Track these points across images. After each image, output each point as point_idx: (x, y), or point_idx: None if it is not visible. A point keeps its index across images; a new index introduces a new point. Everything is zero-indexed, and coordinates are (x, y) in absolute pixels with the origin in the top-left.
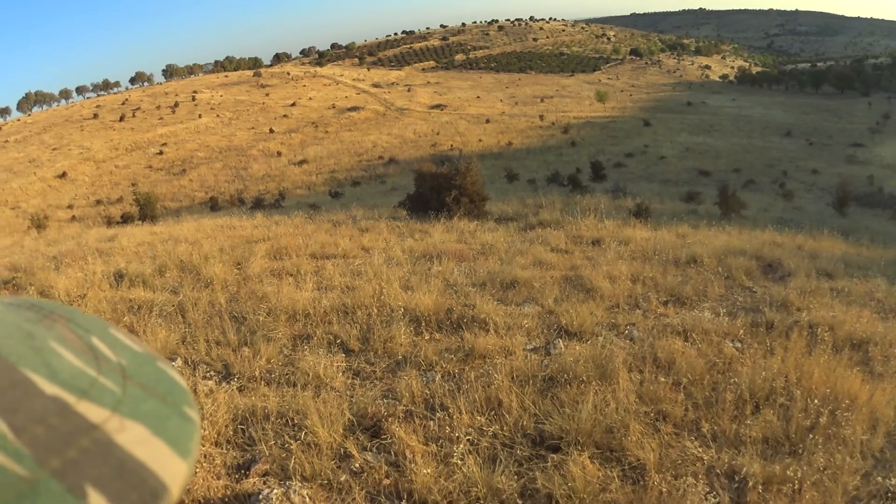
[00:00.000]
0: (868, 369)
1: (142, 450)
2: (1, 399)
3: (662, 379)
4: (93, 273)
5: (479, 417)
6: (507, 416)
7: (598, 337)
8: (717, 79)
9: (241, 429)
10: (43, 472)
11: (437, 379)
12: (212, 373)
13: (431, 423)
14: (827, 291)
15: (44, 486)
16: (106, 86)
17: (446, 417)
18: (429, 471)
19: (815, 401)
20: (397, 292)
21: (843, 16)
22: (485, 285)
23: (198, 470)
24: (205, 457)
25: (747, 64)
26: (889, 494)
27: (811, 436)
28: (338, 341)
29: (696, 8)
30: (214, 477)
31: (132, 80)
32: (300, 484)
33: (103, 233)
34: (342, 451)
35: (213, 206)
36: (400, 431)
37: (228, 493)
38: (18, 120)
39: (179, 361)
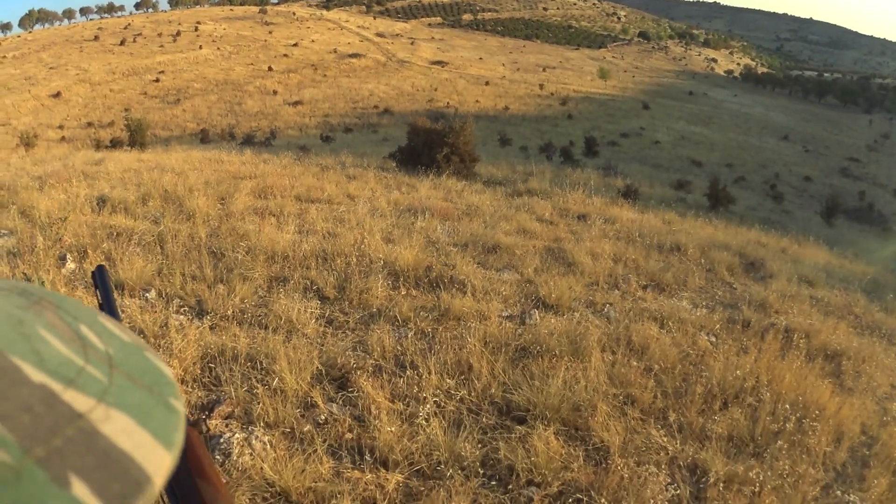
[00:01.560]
0: (839, 382)
1: (126, 440)
2: None
3: (634, 363)
4: (76, 196)
5: (448, 380)
6: (476, 381)
7: (575, 312)
8: (722, 73)
9: (209, 368)
10: (27, 460)
11: (409, 336)
12: (185, 308)
13: (400, 380)
14: (807, 298)
15: (28, 474)
16: (110, 8)
17: (415, 376)
18: (392, 429)
19: (785, 405)
20: (378, 244)
21: (855, 31)
22: (466, 247)
23: None
24: None
25: (754, 63)
26: None
27: (777, 440)
28: (314, 287)
29: (711, 1)
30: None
31: (137, 6)
32: (262, 430)
33: (91, 156)
34: (308, 400)
35: (204, 138)
36: (367, 386)
37: None
38: (19, 36)
39: (154, 293)
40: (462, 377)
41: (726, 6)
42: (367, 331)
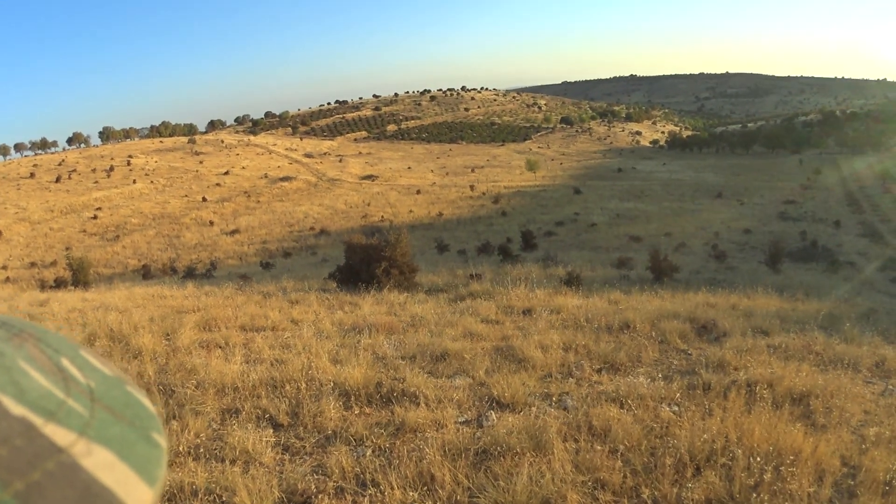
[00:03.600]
0: (810, 422)
1: (108, 475)
2: None
3: (598, 447)
4: None
5: (411, 493)
6: (440, 490)
7: (532, 407)
8: (648, 144)
9: None
10: (5, 494)
11: (367, 454)
12: None
13: (363, 499)
14: (764, 349)
15: None
16: (44, 144)
17: (378, 494)
18: None
19: (758, 458)
20: (326, 366)
21: (773, 76)
22: (414, 358)
23: None
24: None
25: (678, 128)
26: None
27: (756, 493)
28: (266, 416)
29: (628, 75)
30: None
31: (69, 141)
32: None
33: (36, 296)
34: None
35: (146, 273)
36: None
37: None
38: None
39: None
40: (425, 488)
41: (643, 77)
42: (324, 453)
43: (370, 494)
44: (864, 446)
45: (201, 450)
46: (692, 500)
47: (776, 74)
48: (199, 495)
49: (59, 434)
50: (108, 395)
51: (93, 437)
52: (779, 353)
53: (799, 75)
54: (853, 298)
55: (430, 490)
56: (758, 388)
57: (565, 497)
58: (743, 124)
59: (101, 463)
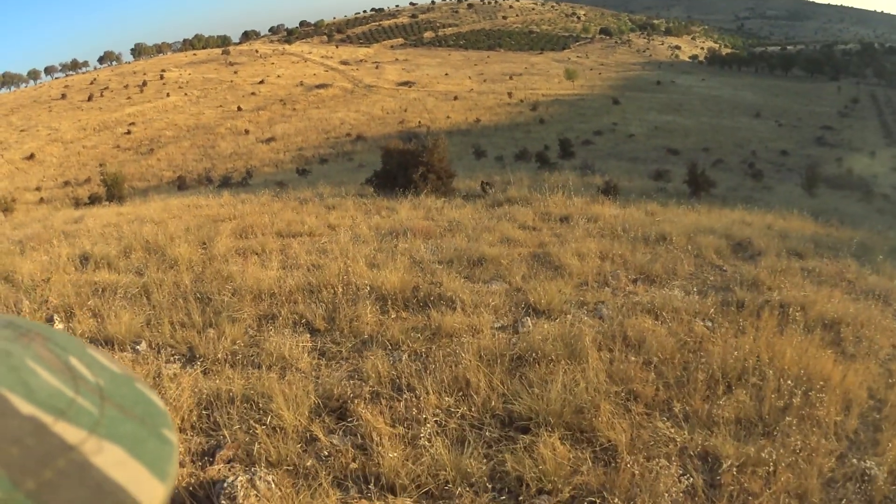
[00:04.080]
0: (840, 350)
1: (119, 472)
2: None
3: (633, 358)
4: (58, 256)
5: (446, 398)
6: (475, 396)
7: (567, 315)
8: (687, 59)
9: (206, 413)
10: (18, 493)
11: (403, 359)
12: (176, 356)
13: (398, 404)
14: (797, 271)
15: None
16: (74, 66)
17: (413, 398)
18: (396, 454)
19: (788, 381)
20: (363, 270)
21: (812, 2)
22: (452, 263)
23: None
24: None
25: (717, 45)
26: (864, 476)
27: (785, 417)
28: (303, 321)
29: None
30: (177, 465)
31: (101, 60)
32: (265, 470)
33: (70, 214)
34: (308, 434)
35: (181, 185)
36: (366, 413)
37: (193, 480)
38: None
39: (144, 345)
40: (460, 393)
41: None
42: (360, 358)
43: (405, 399)
44: (890, 380)
45: (238, 356)
46: (722, 417)
47: (816, 1)
48: (237, 402)
49: (69, 432)
50: (117, 392)
51: (103, 434)
52: (812, 277)
53: (839, 3)
54: (886, 231)
55: (464, 395)
56: (790, 310)
57: (598, 407)
58: (782, 47)
59: (112, 460)
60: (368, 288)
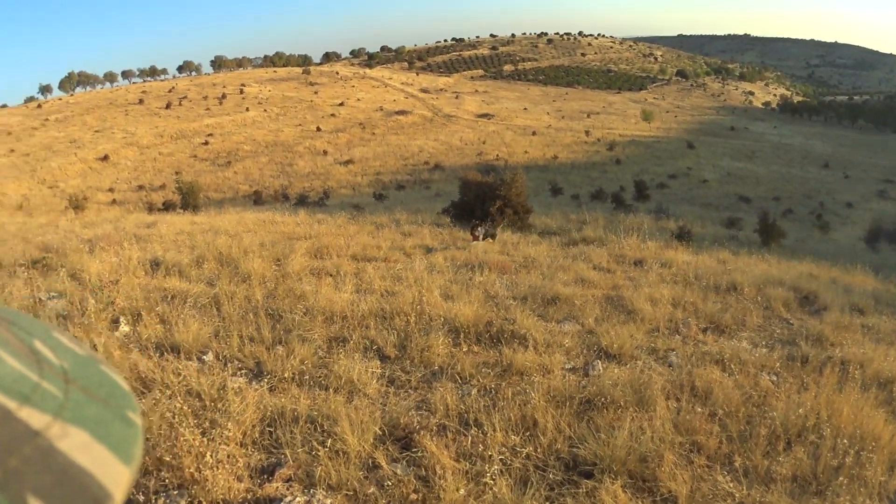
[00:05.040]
0: (891, 409)
1: (84, 456)
2: None
3: (699, 409)
4: (128, 259)
5: (513, 437)
6: (541, 437)
7: (638, 361)
8: (760, 105)
9: (269, 431)
10: None
11: (473, 393)
12: (243, 370)
13: (465, 439)
14: (858, 327)
15: None
16: (153, 72)
17: (480, 434)
18: (458, 489)
19: (843, 440)
20: (437, 301)
21: (877, 51)
22: (526, 299)
23: (219, 471)
24: (227, 457)
25: (789, 92)
26: None
27: (838, 476)
28: (374, 347)
29: (742, 33)
30: (236, 479)
31: (180, 69)
32: (325, 493)
33: (143, 218)
34: (371, 461)
35: (257, 199)
36: (432, 445)
37: (249, 496)
38: (60, 99)
39: (210, 355)
40: (527, 433)
41: (756, 37)
42: (429, 389)
43: (472, 435)
44: None
45: (306, 377)
46: (780, 474)
47: (881, 50)
48: (301, 422)
49: (34, 417)
50: (81, 374)
51: (68, 418)
52: (871, 335)
53: None
54: None
55: (531, 435)
56: (850, 367)
57: (662, 457)
58: (849, 96)
59: (77, 444)
60: (442, 319)
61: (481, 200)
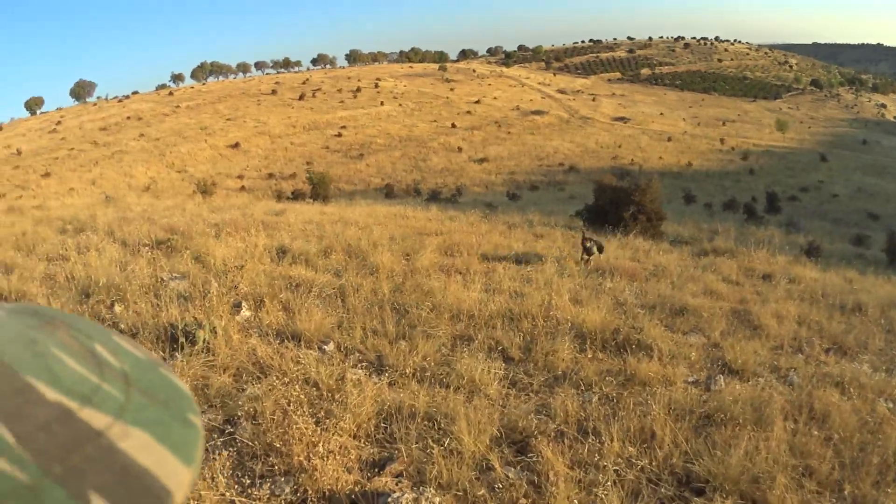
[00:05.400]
0: None
1: (145, 456)
2: (3, 405)
3: (815, 432)
4: (254, 245)
5: (630, 448)
6: (657, 450)
7: (759, 378)
8: (892, 119)
9: (384, 425)
10: (46, 479)
11: (594, 400)
12: (364, 363)
13: (581, 446)
14: None
15: (46, 493)
16: (286, 64)
17: (597, 443)
18: (570, 497)
19: None
20: (566, 305)
21: None
22: (654, 308)
23: (329, 461)
24: (339, 448)
25: None
26: None
27: None
28: (499, 347)
29: (875, 43)
30: (345, 470)
31: (314, 62)
32: (434, 491)
33: (271, 206)
34: (485, 463)
35: (388, 193)
36: (547, 451)
37: (357, 488)
38: (192, 87)
39: (332, 346)
40: (644, 445)
41: (890, 47)
42: (550, 394)
43: (589, 443)
44: None
45: (427, 373)
46: None
47: None
48: (417, 418)
49: (95, 418)
50: (142, 378)
51: (129, 420)
52: None
53: None
54: None
55: (648, 447)
56: None
57: (774, 479)
58: None
59: (138, 445)
60: (569, 323)
61: (615, 205)
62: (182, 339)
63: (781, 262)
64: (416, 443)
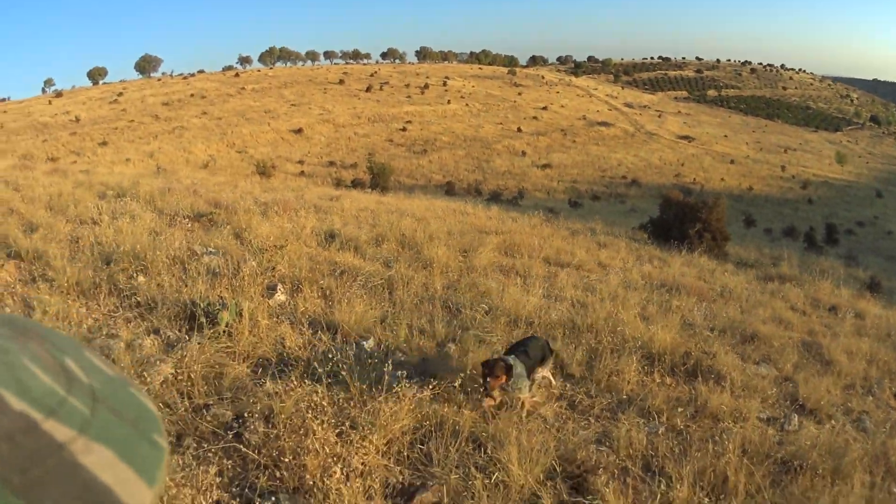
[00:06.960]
0: None
1: (108, 473)
2: None
3: (894, 489)
4: (301, 227)
5: (699, 494)
6: (731, 498)
7: (833, 420)
8: None
9: (420, 444)
10: (4, 490)
11: (660, 431)
12: (405, 366)
13: (645, 487)
14: None
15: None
16: (355, 55)
17: (663, 485)
18: None
19: None
20: (633, 320)
21: None
22: (724, 332)
23: (348, 483)
24: (363, 468)
25: None
26: None
27: None
28: (558, 362)
29: None
30: (365, 497)
31: (383, 55)
32: None
33: (328, 192)
34: (534, 499)
35: (449, 190)
36: (608, 492)
37: None
38: (259, 71)
39: (371, 342)
40: (715, 491)
41: None
42: (613, 421)
43: (654, 485)
44: None
45: (476, 384)
46: None
47: None
48: (460, 439)
49: (58, 431)
50: (111, 395)
51: (93, 435)
52: None
53: None
54: None
55: (720, 495)
56: None
57: None
58: None
59: (101, 461)
60: (637, 341)
61: (680, 220)
62: (202, 319)
63: (846, 296)
64: (457, 468)
